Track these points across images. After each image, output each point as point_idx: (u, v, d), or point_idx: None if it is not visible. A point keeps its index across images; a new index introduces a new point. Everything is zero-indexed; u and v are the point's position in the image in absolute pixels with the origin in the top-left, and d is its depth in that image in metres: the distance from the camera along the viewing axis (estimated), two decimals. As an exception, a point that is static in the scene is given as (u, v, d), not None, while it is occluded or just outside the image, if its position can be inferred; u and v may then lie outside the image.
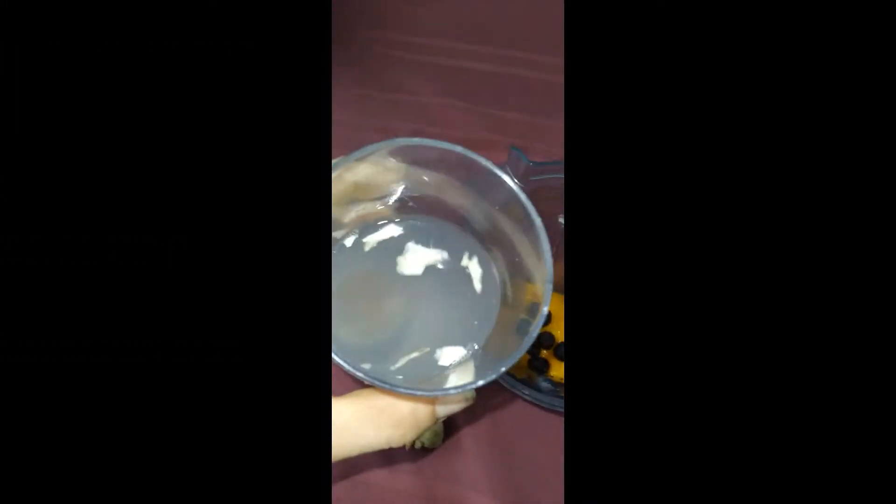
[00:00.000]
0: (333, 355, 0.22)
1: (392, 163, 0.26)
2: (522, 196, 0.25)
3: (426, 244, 0.29)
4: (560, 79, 0.55)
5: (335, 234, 0.29)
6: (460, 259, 0.29)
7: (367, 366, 0.23)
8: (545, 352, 0.40)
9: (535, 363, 0.39)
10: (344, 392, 0.25)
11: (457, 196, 0.28)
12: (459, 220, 0.29)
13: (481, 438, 0.41)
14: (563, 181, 0.34)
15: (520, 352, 0.23)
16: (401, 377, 0.26)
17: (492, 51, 0.56)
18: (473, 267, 0.28)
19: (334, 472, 0.40)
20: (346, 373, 0.23)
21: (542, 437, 0.41)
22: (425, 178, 0.27)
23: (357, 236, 0.29)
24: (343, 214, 0.28)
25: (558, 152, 0.50)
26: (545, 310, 0.23)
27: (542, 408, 0.36)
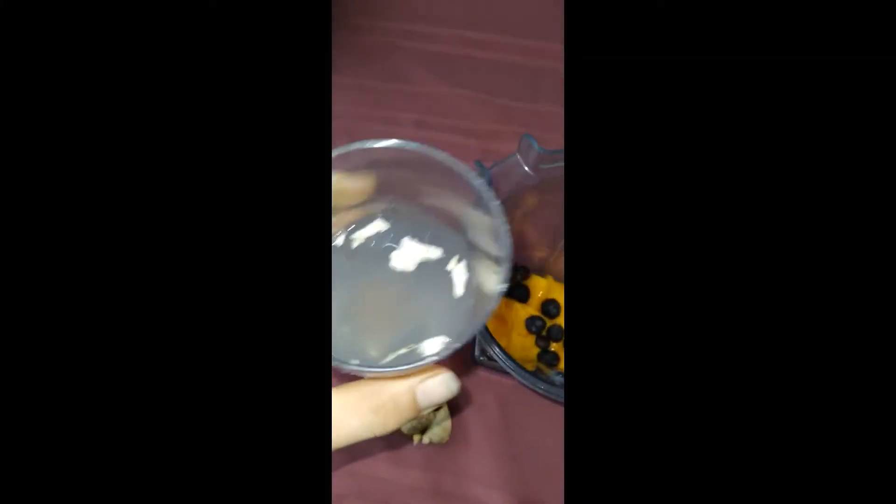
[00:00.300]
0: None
1: (351, 170, 0.26)
2: (476, 181, 0.25)
3: (422, 240, 0.29)
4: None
5: None
6: (448, 260, 0.28)
7: (355, 361, 0.23)
8: (555, 345, 0.39)
9: (545, 356, 0.38)
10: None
11: (433, 195, 0.28)
12: (451, 221, 0.28)
13: (489, 433, 0.40)
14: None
15: (479, 322, 0.23)
16: None
17: (497, 39, 0.55)
18: (459, 270, 0.28)
19: (339, 466, 0.40)
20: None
21: (550, 430, 0.40)
22: (396, 179, 0.27)
23: (344, 235, 0.28)
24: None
25: (562, 140, 0.49)
26: (502, 288, 0.24)
27: (558, 402, 0.36)
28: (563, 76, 0.55)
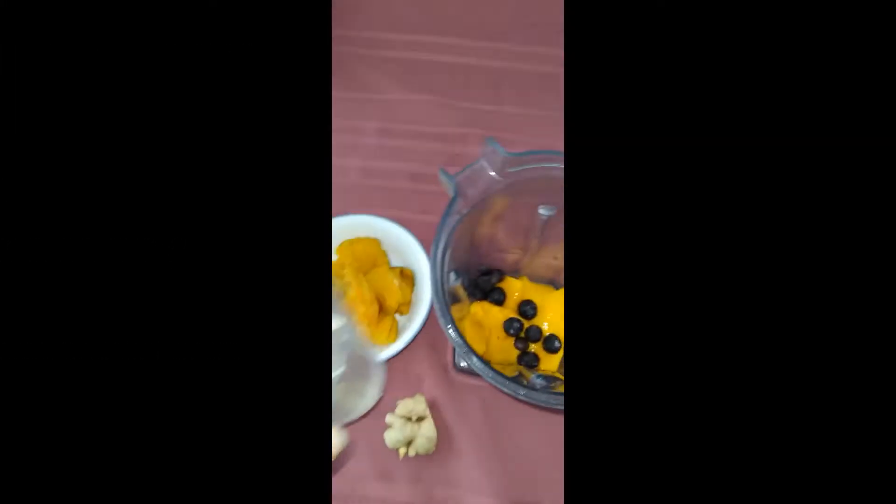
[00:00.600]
0: None
1: None
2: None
3: None
4: (530, 67, 0.54)
5: None
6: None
7: None
8: (534, 346, 0.39)
9: (525, 358, 0.38)
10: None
11: None
12: None
13: (475, 439, 0.40)
14: (543, 171, 0.33)
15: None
16: None
17: (457, 42, 0.55)
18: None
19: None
20: None
21: (537, 434, 0.40)
22: None
23: None
24: None
25: (533, 142, 0.49)
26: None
27: (538, 406, 0.35)
28: (526, 77, 0.55)
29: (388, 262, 0.43)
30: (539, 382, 0.31)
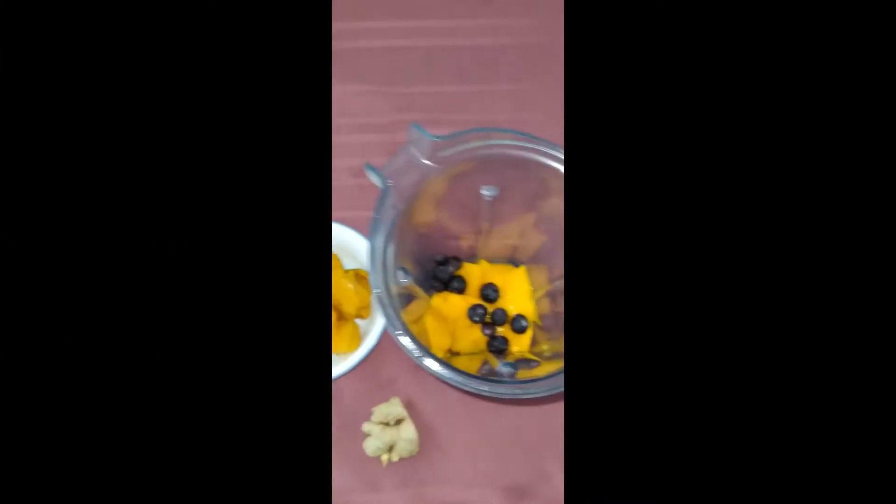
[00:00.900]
0: None
1: None
2: None
3: None
4: (460, 42, 0.52)
5: None
6: None
7: None
8: (501, 329, 0.38)
9: (494, 343, 0.37)
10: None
11: None
12: None
13: (461, 433, 0.39)
14: (477, 151, 0.31)
15: None
16: None
17: (386, 25, 0.53)
18: None
19: None
20: None
21: (521, 418, 0.39)
22: None
23: None
24: None
25: (472, 119, 0.48)
26: None
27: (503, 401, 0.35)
28: (456, 52, 0.53)
29: (340, 266, 0.41)
30: (506, 371, 0.30)
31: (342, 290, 0.39)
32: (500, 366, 0.31)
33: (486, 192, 0.33)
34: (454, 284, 0.38)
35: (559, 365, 0.28)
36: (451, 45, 0.52)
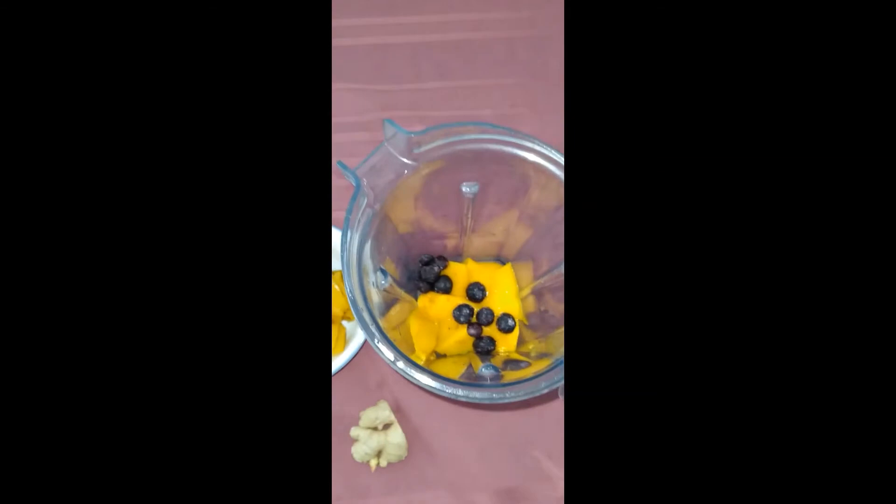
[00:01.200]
0: None
1: None
2: None
3: None
4: (445, 36, 0.51)
5: None
6: None
7: None
8: (487, 329, 0.37)
9: (480, 343, 0.36)
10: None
11: None
12: None
13: (450, 436, 0.38)
14: (456, 146, 0.30)
15: None
16: None
17: (369, 21, 0.52)
18: None
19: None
20: None
21: (512, 418, 0.38)
22: None
23: None
24: None
25: (458, 115, 0.47)
26: None
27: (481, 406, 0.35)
28: (436, 48, 0.52)
29: (325, 269, 0.41)
30: (488, 374, 0.29)
31: (326, 293, 0.38)
32: (482, 368, 0.30)
33: (466, 188, 0.32)
34: (440, 284, 0.37)
35: (546, 364, 0.27)
36: (436, 40, 0.51)
